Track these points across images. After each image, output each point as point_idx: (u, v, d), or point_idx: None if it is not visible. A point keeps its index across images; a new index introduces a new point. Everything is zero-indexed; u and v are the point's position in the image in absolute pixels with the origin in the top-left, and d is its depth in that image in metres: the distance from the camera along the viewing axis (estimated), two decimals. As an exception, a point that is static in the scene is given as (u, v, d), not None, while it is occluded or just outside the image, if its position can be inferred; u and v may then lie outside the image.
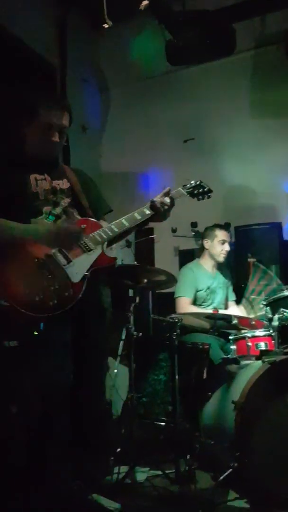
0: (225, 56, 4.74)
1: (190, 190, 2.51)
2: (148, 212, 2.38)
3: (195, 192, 2.51)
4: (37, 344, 2.14)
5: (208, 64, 4.95)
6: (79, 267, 2.23)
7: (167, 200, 2.39)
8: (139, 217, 2.37)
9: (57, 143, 2.37)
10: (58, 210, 2.32)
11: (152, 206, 2.37)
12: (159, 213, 2.39)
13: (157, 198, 2.39)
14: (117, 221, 2.35)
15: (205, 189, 2.52)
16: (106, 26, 3.87)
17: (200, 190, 2.51)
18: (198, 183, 2.52)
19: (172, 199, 2.41)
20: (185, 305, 3.77)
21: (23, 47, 4.21)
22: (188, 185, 2.52)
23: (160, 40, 4.58)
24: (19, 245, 2.19)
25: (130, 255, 4.52)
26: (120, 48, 5.28)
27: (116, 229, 2.32)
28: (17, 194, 2.28)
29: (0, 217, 2.21)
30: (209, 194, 2.53)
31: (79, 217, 2.37)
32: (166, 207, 2.39)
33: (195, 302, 3.84)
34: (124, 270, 3.25)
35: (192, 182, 2.53)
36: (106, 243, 2.34)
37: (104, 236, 2.30)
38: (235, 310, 3.97)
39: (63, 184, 2.42)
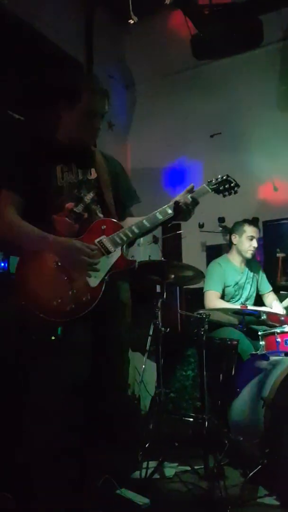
0: (252, 49, 4.67)
1: (215, 186, 2.39)
2: (170, 211, 2.28)
3: (221, 188, 2.39)
4: (55, 346, 2.08)
5: (234, 58, 4.89)
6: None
7: (190, 199, 2.29)
8: (160, 217, 2.28)
9: (98, 130, 2.30)
10: (80, 208, 2.24)
11: (175, 207, 2.27)
12: (182, 212, 2.29)
13: (181, 198, 2.29)
14: (138, 222, 2.27)
15: (232, 184, 2.40)
16: (131, 21, 3.86)
17: (227, 186, 2.39)
18: (224, 178, 2.40)
19: (194, 198, 2.30)
20: (213, 299, 3.74)
21: (49, 44, 4.24)
22: (213, 181, 2.40)
23: (186, 34, 4.54)
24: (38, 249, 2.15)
25: (157, 250, 4.52)
26: (146, 43, 5.27)
27: (136, 231, 2.24)
28: (42, 188, 2.21)
29: (25, 212, 2.18)
30: (236, 189, 2.41)
31: (101, 216, 2.29)
32: (190, 206, 2.29)
33: (223, 298, 3.81)
34: (151, 266, 3.24)
35: (219, 177, 2.40)
36: (125, 245, 2.25)
37: (124, 238, 2.21)
38: (275, 304, 3.90)
39: (90, 174, 2.33)
